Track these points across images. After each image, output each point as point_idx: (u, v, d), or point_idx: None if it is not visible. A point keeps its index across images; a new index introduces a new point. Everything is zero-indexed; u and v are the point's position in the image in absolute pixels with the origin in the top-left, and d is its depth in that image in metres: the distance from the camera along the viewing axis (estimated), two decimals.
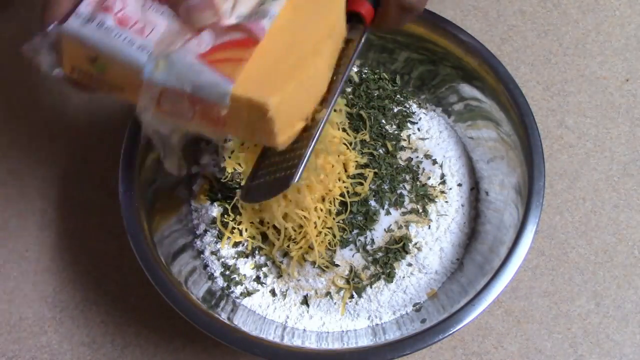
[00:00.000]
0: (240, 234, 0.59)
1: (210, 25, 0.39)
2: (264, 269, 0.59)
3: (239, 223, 0.59)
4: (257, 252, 0.59)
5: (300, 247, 0.56)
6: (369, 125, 0.62)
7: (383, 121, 0.63)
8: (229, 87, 0.38)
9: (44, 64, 0.42)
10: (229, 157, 0.59)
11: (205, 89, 0.38)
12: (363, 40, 0.46)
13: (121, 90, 0.41)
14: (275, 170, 0.46)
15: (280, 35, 0.41)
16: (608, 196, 0.65)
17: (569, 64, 0.71)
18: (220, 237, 0.59)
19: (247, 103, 0.38)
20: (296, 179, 0.43)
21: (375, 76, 0.65)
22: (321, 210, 0.56)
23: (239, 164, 0.59)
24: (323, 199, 0.56)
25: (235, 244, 0.59)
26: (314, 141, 0.44)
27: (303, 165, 0.43)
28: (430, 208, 0.61)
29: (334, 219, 0.57)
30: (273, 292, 0.58)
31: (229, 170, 0.59)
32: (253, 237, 0.59)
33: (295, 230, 0.56)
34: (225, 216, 0.59)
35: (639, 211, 0.64)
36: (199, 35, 0.39)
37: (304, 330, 0.56)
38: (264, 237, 0.59)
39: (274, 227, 0.57)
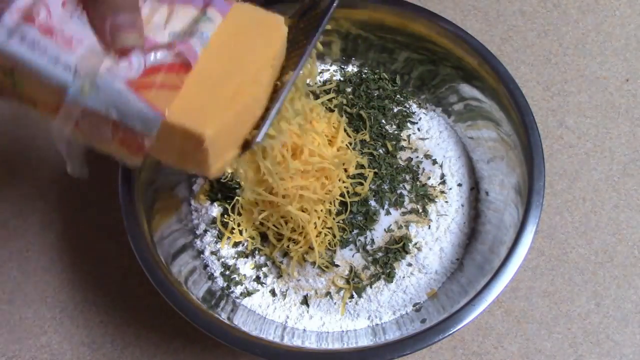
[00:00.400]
0: (241, 234, 0.59)
1: (138, 45, 0.37)
2: (264, 269, 0.59)
3: (239, 224, 0.59)
4: (257, 252, 0.59)
5: (300, 247, 0.56)
6: (369, 125, 0.62)
7: (383, 121, 0.63)
8: (158, 121, 0.37)
9: None
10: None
11: (133, 118, 0.37)
12: (335, 4, 0.45)
13: (34, 104, 0.40)
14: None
15: (217, 60, 0.40)
16: (608, 196, 0.65)
17: (569, 64, 0.71)
18: (220, 237, 0.59)
19: (182, 132, 0.37)
20: (259, 139, 0.43)
21: (375, 76, 0.65)
22: (321, 210, 0.56)
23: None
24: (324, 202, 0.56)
25: (235, 244, 0.59)
26: (280, 102, 0.43)
27: (266, 126, 0.43)
28: (430, 208, 0.61)
29: (333, 219, 0.57)
30: (273, 292, 0.58)
31: (229, 170, 0.59)
32: (252, 238, 0.59)
33: (295, 231, 0.55)
34: (225, 216, 0.59)
35: (639, 211, 0.64)
36: (129, 57, 0.37)
37: (304, 330, 0.56)
38: (264, 237, 0.59)
39: (274, 226, 0.57)
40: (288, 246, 0.57)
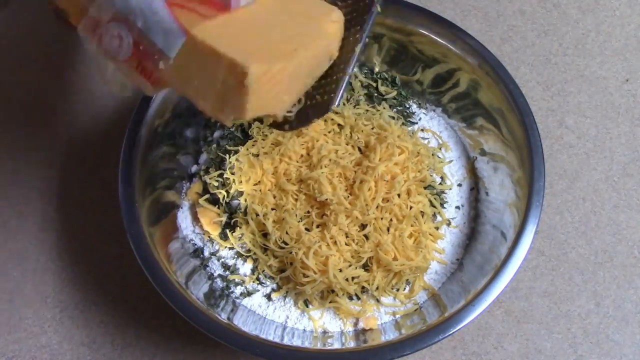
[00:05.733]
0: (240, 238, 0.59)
1: None
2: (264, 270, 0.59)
3: (240, 237, 0.58)
4: (254, 254, 0.59)
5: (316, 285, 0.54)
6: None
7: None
8: (180, 38, 0.36)
9: None
10: (232, 173, 0.58)
11: (157, 31, 0.37)
12: None
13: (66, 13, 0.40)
14: (310, 96, 0.46)
15: (272, 19, 0.40)
16: (608, 196, 0.65)
17: (569, 64, 0.71)
18: (221, 237, 0.59)
19: (228, 63, 0.36)
20: (337, 103, 0.43)
21: (376, 76, 0.65)
22: (353, 241, 0.55)
23: (241, 181, 0.58)
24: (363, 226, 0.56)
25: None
26: (354, 63, 0.43)
27: (342, 89, 0.43)
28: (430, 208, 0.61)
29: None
30: (269, 297, 0.58)
31: (237, 188, 0.58)
32: (250, 252, 0.58)
33: (315, 266, 0.54)
34: (227, 231, 0.59)
35: (639, 211, 0.64)
36: None
37: (304, 330, 0.56)
38: (262, 250, 0.58)
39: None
40: (302, 284, 0.55)
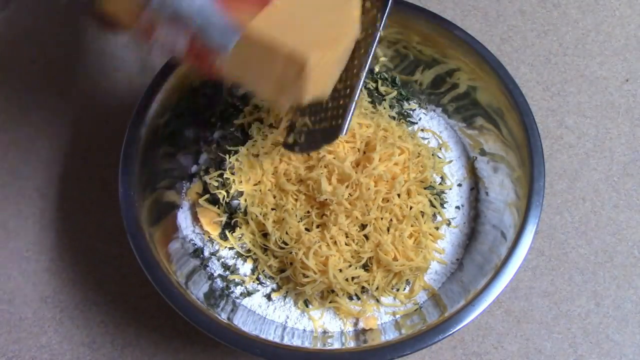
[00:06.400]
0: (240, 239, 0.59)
1: None
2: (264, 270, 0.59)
3: (240, 237, 0.58)
4: (254, 254, 0.59)
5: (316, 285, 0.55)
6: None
7: None
8: (236, 34, 0.37)
9: None
10: (232, 173, 0.58)
11: (213, 29, 0.38)
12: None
13: (114, 22, 0.41)
14: (319, 120, 0.47)
15: (308, 8, 0.41)
16: (608, 196, 0.65)
17: (569, 64, 0.71)
18: (220, 238, 0.59)
19: (288, 54, 0.38)
20: (344, 131, 0.44)
21: (376, 76, 0.65)
22: (353, 241, 0.55)
23: (241, 181, 0.58)
24: (363, 226, 0.56)
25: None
26: (359, 88, 0.44)
27: (349, 116, 0.44)
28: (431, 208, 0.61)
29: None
30: (269, 297, 0.58)
31: (237, 188, 0.58)
32: (250, 252, 0.58)
33: (315, 266, 0.54)
34: (226, 232, 0.59)
35: (639, 211, 0.64)
36: None
37: (304, 330, 0.56)
38: (263, 250, 0.58)
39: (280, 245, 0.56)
40: (302, 284, 0.55)
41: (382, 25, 0.48)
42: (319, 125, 0.48)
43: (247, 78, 0.42)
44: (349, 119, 0.45)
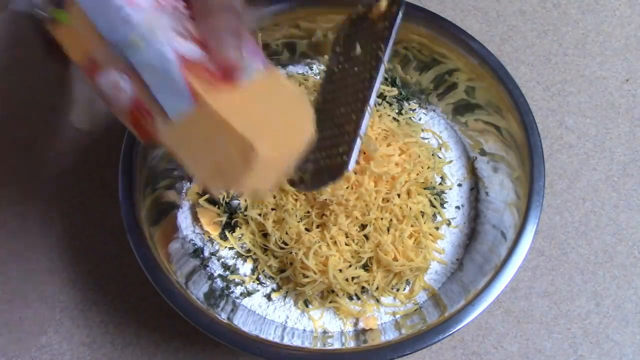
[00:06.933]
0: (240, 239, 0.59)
1: (240, 64, 0.37)
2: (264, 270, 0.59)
3: (240, 237, 0.58)
4: (254, 254, 0.59)
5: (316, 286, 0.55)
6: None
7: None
8: (188, 106, 0.36)
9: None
10: None
11: (166, 92, 0.36)
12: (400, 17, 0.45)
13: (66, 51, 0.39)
14: (324, 156, 0.45)
15: (269, 104, 0.40)
16: (608, 196, 0.65)
17: (569, 64, 0.71)
18: (220, 238, 0.59)
19: (238, 139, 0.36)
20: (350, 167, 0.42)
21: None
22: (353, 241, 0.55)
23: None
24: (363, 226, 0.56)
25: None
26: (364, 122, 0.42)
27: (355, 153, 0.42)
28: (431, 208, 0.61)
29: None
30: (269, 297, 0.58)
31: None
32: (250, 252, 0.58)
33: (315, 266, 0.54)
34: (226, 232, 0.59)
35: (639, 211, 0.64)
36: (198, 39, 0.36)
37: (304, 330, 0.56)
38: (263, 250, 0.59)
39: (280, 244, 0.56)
40: (302, 285, 0.55)
41: (386, 56, 0.46)
42: (324, 162, 0.47)
43: (185, 152, 0.39)
44: (354, 155, 0.43)
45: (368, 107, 0.44)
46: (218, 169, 0.38)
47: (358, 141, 0.43)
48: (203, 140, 0.37)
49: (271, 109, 0.40)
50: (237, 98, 0.37)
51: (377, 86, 0.46)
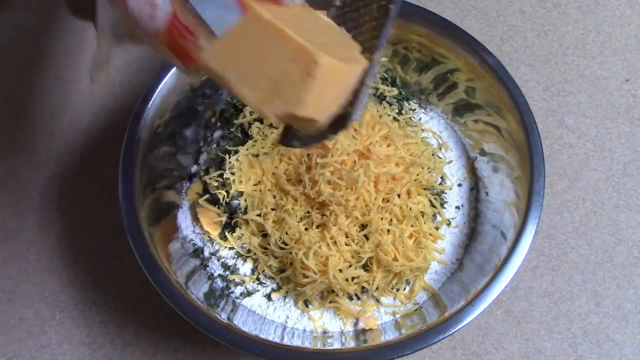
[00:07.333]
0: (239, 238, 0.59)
1: None
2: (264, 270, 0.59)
3: (239, 237, 0.58)
4: (254, 254, 0.59)
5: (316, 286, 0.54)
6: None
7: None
8: (235, 17, 0.32)
9: None
10: (232, 173, 0.58)
11: (206, 2, 0.32)
12: None
13: None
14: None
15: (321, 30, 0.37)
16: (608, 196, 0.65)
17: (569, 64, 0.71)
18: (220, 238, 0.59)
19: (297, 49, 0.32)
20: (357, 116, 0.38)
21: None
22: (353, 241, 0.55)
23: (241, 182, 0.57)
24: (363, 226, 0.56)
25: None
26: (373, 72, 0.38)
27: (362, 102, 0.37)
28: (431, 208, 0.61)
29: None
30: (269, 297, 0.58)
31: (237, 188, 0.57)
32: (250, 252, 0.58)
33: (315, 266, 0.54)
34: (226, 232, 0.59)
35: (639, 211, 0.64)
36: None
37: (304, 330, 0.56)
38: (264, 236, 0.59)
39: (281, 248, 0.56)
40: (302, 285, 0.55)
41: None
42: None
43: (235, 73, 0.34)
44: (361, 104, 0.38)
45: (376, 55, 0.40)
46: (275, 89, 0.34)
47: (364, 90, 0.38)
48: (255, 57, 0.33)
49: (320, 31, 0.37)
50: (287, 13, 0.34)
51: (387, 33, 0.41)
